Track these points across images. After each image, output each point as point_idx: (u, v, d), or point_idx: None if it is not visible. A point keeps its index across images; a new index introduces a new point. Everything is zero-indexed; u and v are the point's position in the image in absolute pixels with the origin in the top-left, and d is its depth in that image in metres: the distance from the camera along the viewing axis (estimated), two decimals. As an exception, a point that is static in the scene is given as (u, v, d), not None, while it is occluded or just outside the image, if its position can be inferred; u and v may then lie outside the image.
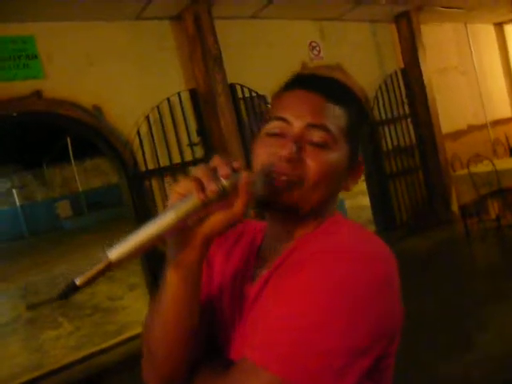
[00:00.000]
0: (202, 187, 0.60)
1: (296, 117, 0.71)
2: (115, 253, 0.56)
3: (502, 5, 6.12)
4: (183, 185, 0.62)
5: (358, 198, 8.44)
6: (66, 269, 8.42)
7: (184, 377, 0.72)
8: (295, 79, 0.78)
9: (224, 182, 0.61)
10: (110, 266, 0.56)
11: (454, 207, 5.11)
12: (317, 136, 0.70)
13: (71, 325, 5.02)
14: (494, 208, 5.11)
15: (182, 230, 0.63)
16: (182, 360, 0.70)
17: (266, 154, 0.72)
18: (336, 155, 0.71)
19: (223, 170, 0.61)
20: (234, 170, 0.62)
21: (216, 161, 0.63)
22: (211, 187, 0.60)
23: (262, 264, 0.77)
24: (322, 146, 0.70)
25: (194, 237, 0.64)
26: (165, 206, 0.63)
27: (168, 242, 0.66)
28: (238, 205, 0.63)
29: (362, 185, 6.66)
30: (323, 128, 0.70)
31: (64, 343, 4.47)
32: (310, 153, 0.70)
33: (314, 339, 0.58)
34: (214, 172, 0.62)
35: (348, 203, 6.91)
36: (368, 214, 6.16)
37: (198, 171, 0.62)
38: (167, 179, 3.86)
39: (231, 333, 0.74)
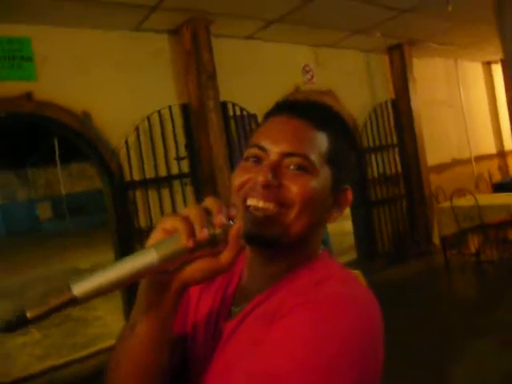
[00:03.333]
0: (192, 232, 0.55)
1: (273, 144, 0.69)
2: (81, 288, 0.49)
3: (491, 45, 6.30)
4: (171, 222, 0.56)
5: (341, 223, 8.48)
6: (41, 273, 8.25)
7: None
8: (277, 105, 0.76)
9: (217, 230, 0.56)
10: (73, 302, 0.49)
11: (436, 239, 5.16)
12: (294, 162, 0.68)
13: (40, 333, 4.88)
14: (474, 242, 5.17)
15: (160, 273, 0.57)
16: None
17: (241, 179, 0.70)
18: (317, 181, 0.68)
19: (218, 218, 0.57)
20: (229, 218, 0.58)
21: (211, 203, 0.59)
22: (202, 234, 0.55)
23: (240, 301, 0.73)
24: (300, 171, 0.68)
25: (172, 282, 0.59)
26: (148, 238, 0.57)
27: (141, 283, 0.61)
28: (226, 256, 0.58)
29: (346, 209, 6.67)
30: (301, 155, 0.68)
31: (30, 351, 4.33)
32: (289, 177, 0.67)
33: None
34: (206, 216, 0.57)
35: (331, 227, 6.92)
36: (350, 240, 6.17)
37: (190, 211, 0.57)
38: (151, 191, 3.83)
39: (203, 370, 0.70)
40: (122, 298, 3.94)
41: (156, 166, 3.86)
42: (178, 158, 3.95)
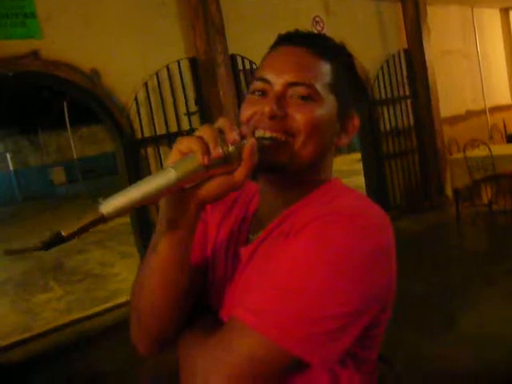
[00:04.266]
0: (207, 150, 0.57)
1: (276, 75, 0.69)
2: (108, 206, 0.53)
3: (510, -11, 6.02)
4: (186, 143, 0.58)
5: (352, 178, 8.46)
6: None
7: (173, 336, 0.71)
8: (280, 37, 0.76)
9: (230, 147, 0.59)
10: (102, 219, 0.53)
11: (448, 191, 5.14)
12: (299, 91, 0.68)
13: (62, 289, 5.06)
14: (486, 193, 5.15)
15: (178, 191, 0.60)
16: (171, 320, 0.70)
17: (248, 112, 0.70)
18: (323, 108, 0.69)
19: (231, 135, 0.59)
20: (241, 136, 0.60)
21: (223, 123, 0.61)
22: (217, 152, 0.57)
23: (257, 228, 0.75)
24: (306, 100, 0.68)
25: (190, 199, 0.62)
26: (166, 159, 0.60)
27: (161, 202, 0.64)
28: (240, 172, 0.60)
29: (358, 164, 6.66)
30: (304, 84, 0.68)
31: (54, 306, 4.51)
32: (294, 107, 0.68)
33: (307, 307, 0.57)
34: (220, 135, 0.59)
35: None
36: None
37: (203, 131, 0.59)
38: (163, 148, 3.83)
39: (222, 293, 0.74)
40: (138, 255, 4.04)
41: (166, 123, 3.85)
42: (189, 114, 3.93)
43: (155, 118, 3.79)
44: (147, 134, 3.78)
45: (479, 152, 4.77)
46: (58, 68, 3.43)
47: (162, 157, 3.80)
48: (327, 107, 0.70)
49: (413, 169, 5.82)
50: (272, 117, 0.67)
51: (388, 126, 5.54)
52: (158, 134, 3.81)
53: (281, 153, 0.67)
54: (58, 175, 16.85)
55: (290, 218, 0.70)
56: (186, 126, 3.95)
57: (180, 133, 3.91)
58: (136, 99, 3.70)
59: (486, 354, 2.56)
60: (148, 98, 3.76)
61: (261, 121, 0.68)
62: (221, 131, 0.60)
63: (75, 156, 16.41)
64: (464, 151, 4.87)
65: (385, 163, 5.56)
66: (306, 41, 0.72)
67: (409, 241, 4.73)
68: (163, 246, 0.65)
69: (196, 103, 4.00)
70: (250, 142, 0.60)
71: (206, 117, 3.99)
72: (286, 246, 0.64)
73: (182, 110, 3.94)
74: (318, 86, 0.69)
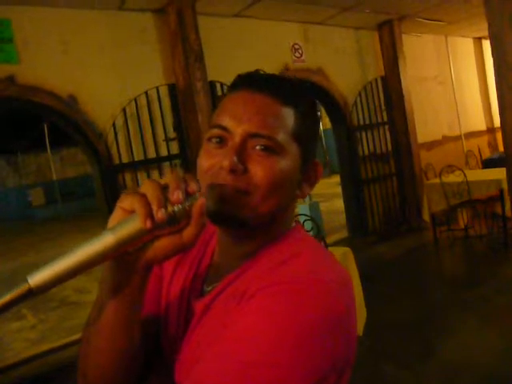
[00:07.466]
0: (149, 212, 0.53)
1: (236, 124, 0.65)
2: (38, 278, 0.48)
3: (482, 20, 6.25)
4: (129, 201, 0.54)
5: (333, 201, 8.52)
6: (33, 258, 8.24)
7: None
8: (239, 78, 0.72)
9: (175, 207, 0.54)
10: (30, 294, 0.48)
11: (425, 216, 5.21)
12: (260, 143, 0.64)
13: (35, 317, 4.90)
14: (463, 218, 5.23)
15: (122, 254, 0.56)
16: (122, 382, 0.66)
17: (206, 163, 0.67)
18: (285, 160, 0.65)
19: (175, 195, 0.54)
20: (189, 194, 0.56)
21: (169, 179, 0.56)
22: (160, 214, 0.53)
23: (212, 280, 0.72)
24: (267, 151, 0.64)
25: (135, 262, 0.57)
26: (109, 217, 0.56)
27: (103, 264, 0.59)
28: (189, 233, 0.56)
29: (338, 187, 6.72)
30: (266, 136, 0.64)
31: (25, 336, 4.36)
32: (255, 160, 0.64)
33: None
34: (164, 193, 0.55)
35: (323, 206, 6.96)
36: (342, 218, 6.21)
37: (147, 189, 0.55)
38: (140, 174, 3.81)
39: (175, 348, 0.70)
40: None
41: (145, 149, 3.83)
42: (167, 140, 3.93)
43: (133, 143, 3.78)
44: (125, 159, 3.75)
45: (455, 178, 4.85)
46: (35, 93, 3.40)
47: (140, 183, 3.77)
48: (290, 158, 0.66)
49: (391, 193, 5.89)
50: (232, 171, 0.63)
51: (366, 151, 5.62)
52: (135, 159, 3.79)
53: (241, 207, 0.64)
54: (37, 197, 16.54)
55: (245, 273, 0.66)
56: (164, 152, 3.94)
57: (158, 159, 3.89)
58: (114, 125, 3.68)
59: (464, 382, 2.55)
60: (126, 123, 3.74)
61: (219, 174, 0.64)
62: (167, 187, 0.55)
63: (55, 177, 16.18)
64: (440, 177, 4.95)
65: (364, 188, 5.62)
66: (268, 86, 0.67)
67: (387, 266, 4.76)
68: (108, 312, 0.61)
69: (175, 129, 4.00)
70: (199, 202, 0.56)
71: (185, 143, 4.00)
72: (236, 313, 0.61)
73: (161, 136, 3.93)
74: (281, 137, 0.65)
